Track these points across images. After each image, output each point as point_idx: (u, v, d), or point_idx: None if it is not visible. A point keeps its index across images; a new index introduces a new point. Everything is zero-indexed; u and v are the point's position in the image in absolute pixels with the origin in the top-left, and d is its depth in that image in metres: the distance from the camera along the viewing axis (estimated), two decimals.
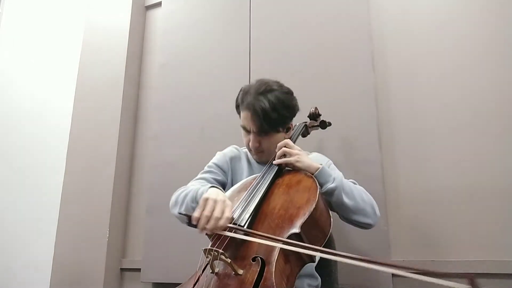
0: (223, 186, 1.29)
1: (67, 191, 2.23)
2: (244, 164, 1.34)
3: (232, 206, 0.97)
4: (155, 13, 2.46)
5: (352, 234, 1.51)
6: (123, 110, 2.23)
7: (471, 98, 1.54)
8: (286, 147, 1.15)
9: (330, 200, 1.10)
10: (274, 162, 1.15)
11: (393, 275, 1.45)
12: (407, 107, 1.64)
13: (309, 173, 1.09)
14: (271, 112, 1.18)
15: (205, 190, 1.02)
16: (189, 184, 1.23)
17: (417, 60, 1.66)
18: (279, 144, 1.17)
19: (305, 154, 1.16)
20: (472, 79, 1.56)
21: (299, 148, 1.16)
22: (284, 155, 1.14)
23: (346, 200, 1.08)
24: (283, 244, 0.85)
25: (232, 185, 1.28)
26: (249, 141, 1.25)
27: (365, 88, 1.66)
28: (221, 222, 0.90)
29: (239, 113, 1.29)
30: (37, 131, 2.55)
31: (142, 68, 2.40)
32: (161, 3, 2.36)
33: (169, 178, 1.95)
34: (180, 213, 0.96)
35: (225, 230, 0.91)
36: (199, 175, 1.29)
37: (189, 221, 0.92)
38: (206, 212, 0.90)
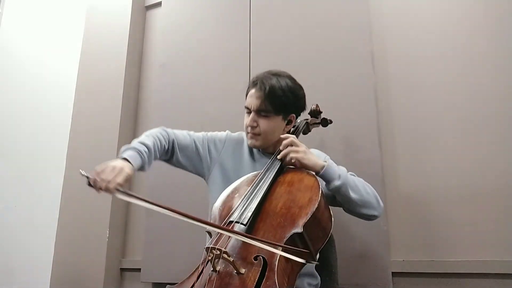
0: (200, 157, 1.30)
1: (67, 191, 2.23)
2: (245, 151, 1.33)
3: (128, 175, 1.04)
4: (155, 13, 2.46)
5: (352, 234, 1.51)
6: (123, 110, 2.23)
7: (471, 98, 1.54)
8: (292, 144, 1.14)
9: (337, 197, 1.12)
10: (279, 156, 1.14)
11: (393, 274, 1.45)
12: (407, 107, 1.64)
13: (311, 172, 1.10)
14: (277, 90, 1.20)
15: (120, 156, 1.09)
16: (174, 131, 1.29)
17: (417, 60, 1.66)
18: (284, 142, 1.15)
19: (309, 151, 1.15)
20: (472, 79, 1.56)
21: (305, 146, 1.16)
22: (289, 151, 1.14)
23: (352, 195, 1.10)
24: (282, 251, 0.86)
25: (220, 165, 1.29)
26: (247, 123, 1.24)
27: (365, 88, 1.66)
28: (110, 185, 0.98)
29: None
30: (37, 131, 2.54)
31: (142, 68, 2.40)
32: (161, 3, 2.36)
33: (169, 178, 1.95)
34: (81, 173, 1.00)
35: (110, 192, 0.98)
36: (191, 132, 1.33)
37: (88, 182, 1.00)
38: (101, 176, 0.99)
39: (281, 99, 1.20)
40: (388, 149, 1.62)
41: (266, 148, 1.30)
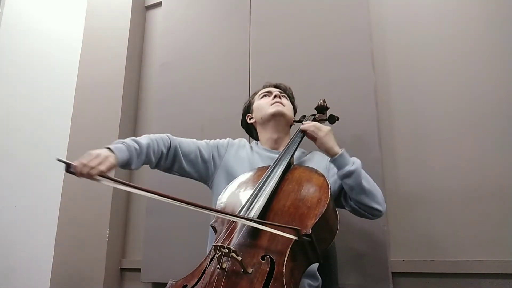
0: (204, 163, 1.32)
1: (67, 191, 2.23)
2: (246, 153, 1.36)
3: (111, 164, 1.02)
4: (155, 13, 2.46)
5: (352, 234, 1.50)
6: (123, 110, 2.23)
7: (471, 98, 1.54)
8: (318, 124, 1.26)
9: (347, 183, 1.15)
10: (305, 125, 1.25)
11: (393, 274, 1.45)
12: (407, 107, 1.64)
13: (320, 171, 1.11)
14: (288, 88, 1.50)
15: (106, 146, 1.08)
16: (178, 138, 1.31)
17: (417, 60, 1.66)
18: (310, 121, 1.30)
19: (332, 136, 1.23)
20: (472, 79, 1.55)
21: (329, 129, 1.24)
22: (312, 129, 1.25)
23: (364, 182, 1.14)
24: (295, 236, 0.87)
25: (224, 169, 1.31)
26: (271, 99, 1.38)
27: (365, 88, 1.66)
28: (93, 171, 0.94)
29: (248, 111, 1.47)
30: (37, 131, 2.54)
31: (142, 68, 2.40)
32: (161, 3, 2.36)
33: (169, 178, 1.93)
34: (58, 159, 0.95)
35: (93, 178, 0.94)
36: (194, 140, 1.35)
37: (68, 168, 0.95)
38: (84, 161, 0.95)
39: (289, 91, 1.49)
40: (388, 149, 1.62)
41: (277, 141, 1.38)
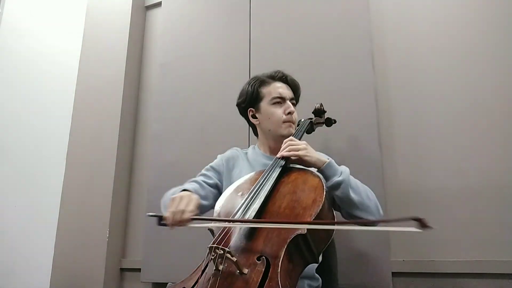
0: (216, 188, 1.32)
1: (67, 191, 2.23)
2: (243, 163, 1.35)
3: (197, 200, 1.02)
4: (155, 13, 2.46)
5: (352, 234, 1.50)
6: (123, 110, 2.23)
7: (471, 98, 1.54)
8: (292, 142, 1.16)
9: (336, 194, 1.10)
10: (283, 153, 1.14)
11: (393, 274, 1.45)
12: (407, 106, 1.64)
13: (315, 172, 1.10)
14: (298, 89, 1.40)
15: (176, 193, 1.08)
16: (184, 185, 1.26)
17: (417, 59, 1.66)
18: (284, 141, 1.19)
19: (311, 148, 1.16)
20: (472, 78, 1.55)
21: (305, 143, 1.17)
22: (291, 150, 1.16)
23: (352, 194, 1.09)
24: (303, 225, 0.88)
25: (227, 185, 1.27)
26: (284, 111, 1.30)
27: (365, 88, 1.66)
28: (185, 215, 0.94)
29: (252, 104, 1.36)
30: (37, 131, 2.54)
31: (142, 68, 2.40)
32: (161, 3, 2.36)
33: (169, 178, 1.94)
34: (149, 215, 0.98)
35: (187, 222, 0.95)
36: (195, 178, 1.33)
37: (160, 221, 0.96)
38: (172, 208, 0.96)
39: (298, 93, 1.41)
40: (388, 149, 1.62)
41: (276, 149, 1.32)
